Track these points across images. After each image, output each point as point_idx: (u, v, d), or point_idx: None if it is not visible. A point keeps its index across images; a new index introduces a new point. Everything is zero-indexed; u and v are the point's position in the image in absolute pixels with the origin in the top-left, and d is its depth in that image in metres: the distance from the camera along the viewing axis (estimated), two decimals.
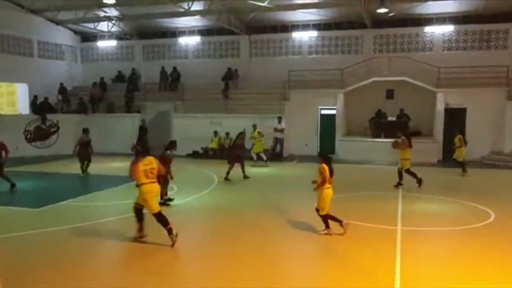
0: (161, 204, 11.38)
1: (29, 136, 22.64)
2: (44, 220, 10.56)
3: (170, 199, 12.11)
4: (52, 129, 23.00)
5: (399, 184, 14.17)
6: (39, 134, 22.81)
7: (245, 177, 15.98)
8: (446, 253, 8.24)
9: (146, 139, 15.42)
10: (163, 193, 11.73)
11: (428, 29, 23.22)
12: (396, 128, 20.79)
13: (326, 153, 9.67)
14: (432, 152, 20.12)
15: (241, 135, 16.75)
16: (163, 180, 11.28)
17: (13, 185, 13.67)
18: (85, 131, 17.21)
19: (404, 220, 10.17)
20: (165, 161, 11.02)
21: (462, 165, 17.09)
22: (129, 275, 7.21)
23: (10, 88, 25.96)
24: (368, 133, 22.14)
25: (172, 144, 12.31)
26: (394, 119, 21.58)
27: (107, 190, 14.25)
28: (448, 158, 20.14)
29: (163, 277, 7.02)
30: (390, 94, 22.75)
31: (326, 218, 9.00)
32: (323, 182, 8.81)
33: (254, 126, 19.46)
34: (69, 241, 8.92)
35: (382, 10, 20.30)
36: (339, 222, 8.96)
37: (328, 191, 8.86)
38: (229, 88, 24.37)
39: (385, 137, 20.59)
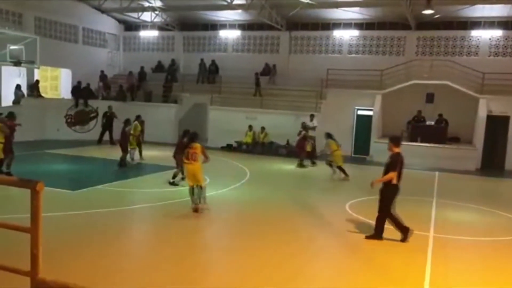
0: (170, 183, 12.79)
1: (69, 120, 23.30)
2: (80, 202, 10.87)
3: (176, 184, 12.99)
4: (92, 115, 23.59)
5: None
6: (80, 118, 23.44)
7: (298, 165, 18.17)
8: (478, 264, 8.01)
9: (105, 123, 16.92)
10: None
11: (475, 33, 22.55)
12: (434, 133, 20.42)
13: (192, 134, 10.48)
14: (470, 160, 19.52)
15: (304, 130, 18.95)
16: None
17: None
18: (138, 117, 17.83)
19: (437, 227, 9.94)
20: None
21: (342, 170, 16.02)
22: (150, 261, 7.34)
23: (54, 72, 26.75)
24: (404, 136, 21.69)
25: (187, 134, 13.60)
26: (432, 123, 21.09)
27: (141, 177, 14.54)
28: (487, 167, 19.56)
29: (183, 267, 7.11)
30: (430, 98, 22.20)
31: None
32: None
33: (139, 117, 17.60)
34: (102, 224, 9.17)
35: (428, 12, 19.81)
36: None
37: (185, 165, 10.24)
38: (259, 84, 24.25)
39: (422, 141, 20.16)
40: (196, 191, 10.00)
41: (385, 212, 8.58)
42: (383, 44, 24.25)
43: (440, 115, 20.99)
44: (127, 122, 16.74)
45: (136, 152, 17.16)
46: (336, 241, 8.77)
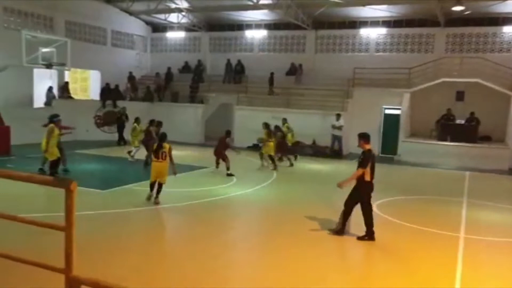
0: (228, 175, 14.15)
1: (98, 121, 23.74)
2: (110, 201, 11.08)
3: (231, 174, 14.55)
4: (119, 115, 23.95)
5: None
6: (108, 119, 23.83)
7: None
8: (510, 266, 7.80)
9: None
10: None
11: (507, 29, 21.96)
12: (464, 132, 19.98)
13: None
14: (503, 159, 19.03)
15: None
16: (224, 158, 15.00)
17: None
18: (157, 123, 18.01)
19: (468, 228, 9.72)
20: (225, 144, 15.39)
21: (272, 161, 16.53)
22: (177, 260, 7.42)
23: (83, 74, 27.32)
24: (434, 135, 21.33)
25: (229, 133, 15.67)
26: (462, 122, 20.65)
27: (168, 177, 14.60)
28: None
29: (210, 266, 7.16)
30: (460, 96, 21.74)
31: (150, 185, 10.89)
32: None
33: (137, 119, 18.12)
34: (131, 223, 9.33)
35: (458, 8, 19.42)
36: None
37: (153, 163, 10.96)
38: (273, 83, 24.16)
39: (452, 140, 19.78)
40: (156, 187, 10.81)
41: (349, 208, 8.59)
42: (411, 41, 23.88)
43: (472, 113, 20.53)
44: (151, 122, 17.13)
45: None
46: (363, 242, 8.66)
